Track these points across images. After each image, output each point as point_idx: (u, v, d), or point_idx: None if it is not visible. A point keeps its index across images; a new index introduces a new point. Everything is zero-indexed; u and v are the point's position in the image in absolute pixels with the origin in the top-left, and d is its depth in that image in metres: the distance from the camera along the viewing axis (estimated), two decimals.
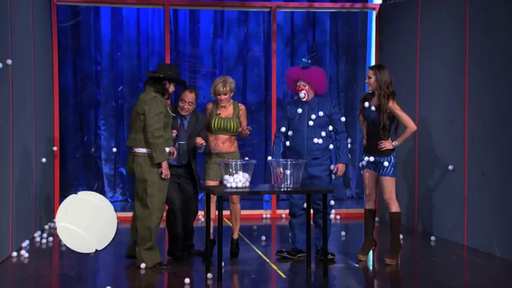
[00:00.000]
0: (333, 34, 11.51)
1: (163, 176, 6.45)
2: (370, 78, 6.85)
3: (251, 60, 11.32)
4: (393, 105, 6.77)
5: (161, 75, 6.55)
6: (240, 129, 7.10)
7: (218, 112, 7.08)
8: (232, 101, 7.18)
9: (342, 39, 11.53)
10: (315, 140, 6.93)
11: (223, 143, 7.08)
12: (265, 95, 11.26)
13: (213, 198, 6.94)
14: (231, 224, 7.33)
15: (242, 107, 7.22)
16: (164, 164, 6.44)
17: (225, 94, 7.03)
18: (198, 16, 11.25)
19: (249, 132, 7.08)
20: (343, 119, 7.03)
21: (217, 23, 11.32)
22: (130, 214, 9.12)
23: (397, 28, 9.51)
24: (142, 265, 6.48)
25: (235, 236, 7.20)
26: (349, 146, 7.08)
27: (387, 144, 6.78)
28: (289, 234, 7.19)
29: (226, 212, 9.02)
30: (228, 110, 7.11)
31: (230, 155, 7.08)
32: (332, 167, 7.01)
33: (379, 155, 6.83)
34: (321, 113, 6.94)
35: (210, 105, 7.21)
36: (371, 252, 7.10)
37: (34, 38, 8.25)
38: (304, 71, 6.97)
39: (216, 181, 7.08)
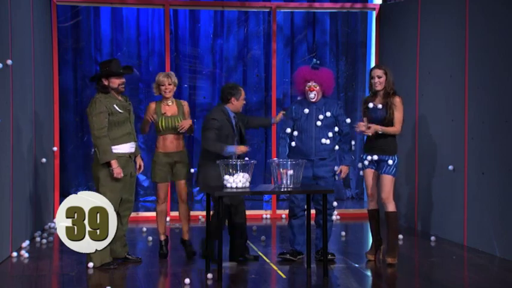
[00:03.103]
0: (333, 34, 11.51)
1: (114, 175, 6.45)
2: (380, 77, 6.80)
3: (251, 60, 11.32)
4: (399, 102, 6.78)
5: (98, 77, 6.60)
6: (180, 127, 7.02)
7: (163, 112, 7.06)
8: (174, 99, 7.18)
9: (342, 39, 11.53)
10: (323, 141, 6.92)
11: (172, 142, 7.07)
12: (265, 95, 11.26)
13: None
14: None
15: (185, 103, 7.21)
16: (113, 164, 6.44)
17: (170, 84, 7.04)
18: (198, 16, 11.25)
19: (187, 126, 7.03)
20: (348, 120, 7.02)
21: (217, 23, 11.32)
22: (133, 214, 9.12)
23: (397, 28, 9.51)
24: (90, 264, 6.50)
25: (186, 237, 7.15)
26: (353, 148, 7.08)
27: (361, 126, 6.72)
28: (289, 235, 7.15)
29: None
30: (172, 109, 7.10)
31: (178, 154, 7.09)
32: (336, 168, 7.00)
33: (384, 154, 6.82)
34: (328, 114, 6.92)
35: (153, 105, 7.13)
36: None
37: (34, 38, 8.25)
38: (316, 72, 6.95)
39: (165, 182, 7.11)
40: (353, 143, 7.11)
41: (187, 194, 7.20)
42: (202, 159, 6.88)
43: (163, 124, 7.02)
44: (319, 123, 6.93)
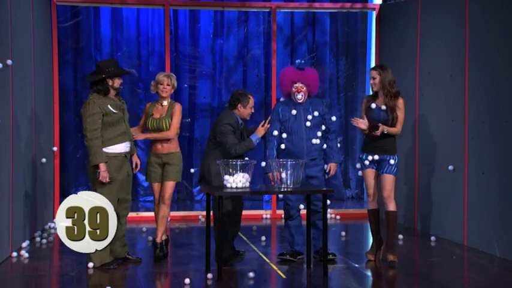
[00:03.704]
0: (333, 34, 11.51)
1: (100, 178, 6.43)
2: (374, 78, 6.85)
3: (251, 60, 11.32)
4: (402, 104, 6.82)
5: (102, 76, 6.56)
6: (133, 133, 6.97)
7: (152, 113, 7.06)
8: (170, 100, 7.15)
9: (342, 39, 11.53)
10: (313, 141, 6.91)
11: (161, 144, 7.04)
12: (265, 95, 11.27)
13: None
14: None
15: (177, 105, 7.11)
16: (102, 167, 6.43)
17: (168, 85, 7.02)
18: (198, 16, 11.25)
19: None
20: (333, 118, 7.02)
21: (217, 23, 11.33)
22: (133, 214, 9.11)
23: (397, 28, 9.51)
24: (90, 264, 6.50)
25: (159, 239, 7.06)
26: (338, 145, 7.08)
27: (360, 124, 6.79)
28: (287, 236, 7.14)
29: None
30: (163, 110, 7.07)
31: (169, 156, 7.04)
32: (325, 166, 7.00)
33: (385, 153, 6.83)
34: (316, 113, 6.92)
35: (147, 105, 7.18)
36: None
37: (34, 38, 8.25)
38: (302, 73, 6.93)
39: (157, 183, 7.10)
40: (339, 139, 7.09)
41: (171, 197, 7.12)
42: (208, 160, 6.85)
43: (149, 125, 7.03)
44: (308, 123, 6.91)
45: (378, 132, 6.77)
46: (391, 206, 6.86)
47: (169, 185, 7.07)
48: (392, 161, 6.83)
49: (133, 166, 6.88)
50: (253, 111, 6.92)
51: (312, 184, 6.88)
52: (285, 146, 6.94)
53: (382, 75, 6.82)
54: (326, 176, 7.04)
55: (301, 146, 6.91)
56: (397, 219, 7.00)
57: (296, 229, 7.02)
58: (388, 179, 6.85)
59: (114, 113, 6.53)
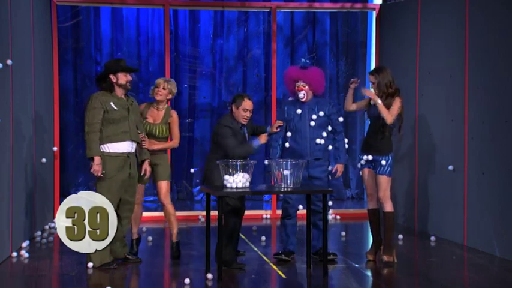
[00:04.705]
0: (333, 34, 11.51)
1: (91, 171, 6.43)
2: (373, 83, 6.88)
3: (251, 60, 11.33)
4: (398, 100, 6.79)
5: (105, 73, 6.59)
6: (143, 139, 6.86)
7: (146, 116, 7.03)
8: (167, 106, 7.14)
9: (342, 39, 11.54)
10: (317, 141, 6.91)
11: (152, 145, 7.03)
12: (265, 95, 11.27)
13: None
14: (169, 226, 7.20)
15: (174, 114, 7.10)
16: (96, 160, 6.41)
17: (164, 89, 7.01)
18: (198, 16, 11.26)
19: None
20: (340, 119, 7.02)
21: (217, 23, 11.33)
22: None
23: (397, 28, 9.51)
24: (90, 264, 6.50)
25: (174, 239, 7.09)
26: (346, 146, 7.08)
27: (367, 92, 6.82)
28: (282, 235, 7.13)
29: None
30: (158, 115, 7.06)
31: (158, 156, 7.04)
32: (330, 167, 7.00)
33: (377, 154, 6.84)
34: (321, 113, 6.92)
35: (142, 106, 7.14)
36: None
37: (34, 38, 8.25)
38: (304, 71, 6.95)
39: (141, 184, 7.05)
40: (346, 141, 7.11)
41: (167, 196, 7.10)
42: (210, 160, 6.83)
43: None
44: (312, 123, 6.91)
45: (352, 86, 6.86)
46: (387, 207, 6.86)
47: (163, 184, 7.08)
48: (383, 162, 6.81)
49: (142, 173, 6.83)
50: (248, 114, 6.76)
51: (314, 185, 6.88)
52: (289, 144, 6.96)
53: (377, 79, 6.85)
54: (330, 177, 7.04)
55: (305, 145, 6.91)
56: (394, 219, 6.98)
57: (292, 228, 7.02)
58: (382, 180, 6.85)
59: (115, 110, 6.53)
